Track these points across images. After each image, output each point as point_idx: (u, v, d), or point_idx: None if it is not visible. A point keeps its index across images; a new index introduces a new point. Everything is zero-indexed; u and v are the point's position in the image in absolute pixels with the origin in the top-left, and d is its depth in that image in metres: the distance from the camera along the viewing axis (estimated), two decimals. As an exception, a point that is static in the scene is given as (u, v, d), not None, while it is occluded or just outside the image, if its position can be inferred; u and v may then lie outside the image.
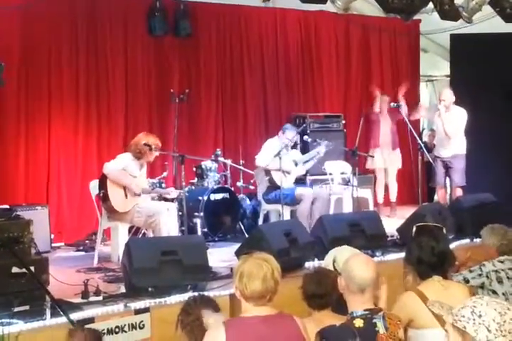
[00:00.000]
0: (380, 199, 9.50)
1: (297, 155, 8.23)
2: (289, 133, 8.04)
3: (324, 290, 3.77)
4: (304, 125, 8.95)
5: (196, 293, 4.90)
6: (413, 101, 10.33)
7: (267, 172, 7.88)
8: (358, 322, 3.31)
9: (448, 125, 8.74)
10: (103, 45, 8.32)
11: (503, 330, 2.21)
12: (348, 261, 3.51)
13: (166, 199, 7.21)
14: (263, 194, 8.00)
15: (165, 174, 7.67)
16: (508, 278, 4.91)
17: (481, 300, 2.24)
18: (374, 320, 3.33)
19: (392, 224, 7.45)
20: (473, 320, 2.18)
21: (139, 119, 8.58)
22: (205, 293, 4.99)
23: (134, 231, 7.23)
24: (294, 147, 8.27)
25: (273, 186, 7.86)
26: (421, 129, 11.35)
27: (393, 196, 9.62)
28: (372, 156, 9.08)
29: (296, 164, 8.08)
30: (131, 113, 8.54)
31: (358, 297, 3.39)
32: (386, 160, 9.44)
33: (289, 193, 7.76)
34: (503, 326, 2.20)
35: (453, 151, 8.87)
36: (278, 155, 7.44)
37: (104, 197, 6.70)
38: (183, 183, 6.82)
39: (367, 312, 3.36)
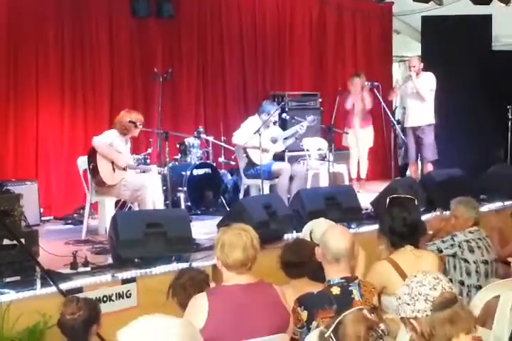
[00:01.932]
0: (354, 175, 9.52)
1: (278, 131, 8.18)
2: (273, 112, 7.95)
3: (300, 259, 3.79)
4: (283, 103, 8.92)
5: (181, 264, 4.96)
6: (386, 81, 10.36)
7: (245, 150, 7.85)
8: (335, 290, 3.34)
9: (421, 88, 8.81)
10: (88, 26, 8.20)
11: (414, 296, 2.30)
12: (325, 232, 3.53)
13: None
14: (243, 169, 7.99)
15: (149, 150, 7.63)
16: (478, 247, 5.00)
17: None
18: (350, 288, 3.36)
19: (365, 198, 7.47)
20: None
21: (124, 97, 8.51)
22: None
23: (120, 205, 7.20)
24: (274, 124, 8.20)
25: (251, 163, 7.84)
26: (393, 108, 11.35)
27: (363, 173, 9.61)
28: (347, 133, 9.07)
29: (274, 141, 8.04)
30: (116, 91, 8.46)
31: (334, 266, 3.42)
32: (358, 138, 9.42)
33: (266, 169, 7.74)
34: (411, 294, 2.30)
35: (424, 120, 8.90)
36: (257, 133, 7.40)
37: (93, 170, 6.67)
38: (167, 159, 6.79)
39: (343, 280, 3.39)
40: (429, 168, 8.88)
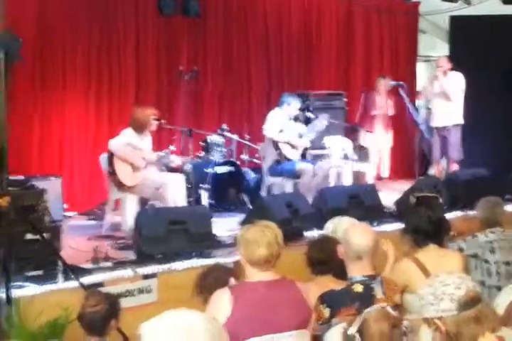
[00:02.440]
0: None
1: (302, 127, 8.14)
2: (294, 103, 7.94)
3: (327, 256, 3.78)
4: (307, 102, 8.87)
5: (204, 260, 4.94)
6: (411, 81, 10.29)
7: (276, 146, 7.80)
8: (357, 287, 3.31)
9: (447, 88, 8.68)
10: (115, 24, 8.22)
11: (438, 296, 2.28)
12: (348, 230, 3.51)
13: (173, 171, 7.17)
14: (268, 167, 7.93)
15: (173, 148, 7.60)
16: (499, 248, 4.90)
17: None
18: (372, 285, 3.33)
19: (387, 197, 7.42)
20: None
21: (149, 95, 8.51)
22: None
23: (143, 201, 7.19)
24: (295, 120, 8.17)
25: (282, 159, 7.77)
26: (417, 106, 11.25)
27: (386, 172, 9.56)
28: (372, 132, 9.00)
29: (300, 136, 8.00)
30: (141, 88, 8.47)
31: (356, 263, 3.39)
32: (379, 141, 9.37)
33: (291, 167, 7.70)
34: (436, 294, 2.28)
35: (450, 120, 8.78)
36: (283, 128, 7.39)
37: (112, 173, 6.66)
38: (191, 156, 6.77)
39: (365, 278, 3.36)
40: (454, 167, 8.78)
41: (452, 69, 8.78)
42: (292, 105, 7.91)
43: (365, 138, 9.23)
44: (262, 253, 3.12)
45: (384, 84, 9.30)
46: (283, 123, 7.80)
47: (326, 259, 3.83)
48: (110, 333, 3.54)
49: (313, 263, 3.95)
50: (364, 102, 9.37)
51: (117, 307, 3.55)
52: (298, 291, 3.22)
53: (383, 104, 9.34)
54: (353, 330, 1.85)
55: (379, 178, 9.42)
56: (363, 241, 3.36)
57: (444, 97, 8.77)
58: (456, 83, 8.76)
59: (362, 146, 9.33)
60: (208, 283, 3.59)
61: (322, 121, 7.98)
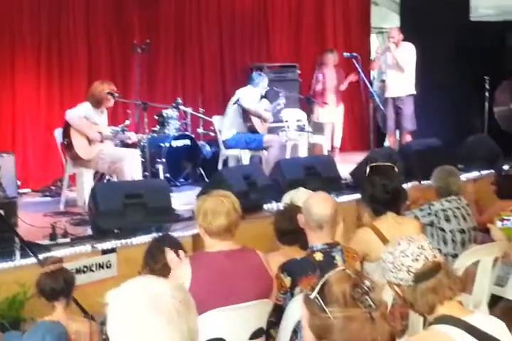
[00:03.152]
0: (329, 147, 9.53)
1: (267, 104, 8.17)
2: (264, 83, 8.04)
3: (296, 226, 3.72)
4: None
5: (160, 234, 4.90)
6: (365, 52, 10.31)
7: (248, 118, 7.78)
8: (318, 256, 3.33)
9: (400, 59, 8.74)
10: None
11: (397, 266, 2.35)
12: (308, 199, 3.51)
13: (128, 146, 7.10)
14: (229, 139, 7.90)
15: (127, 122, 7.51)
16: (454, 216, 4.98)
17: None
18: (333, 254, 3.35)
19: (344, 168, 7.45)
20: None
21: (101, 69, 8.36)
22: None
23: (99, 177, 7.12)
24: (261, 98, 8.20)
25: (248, 132, 7.85)
26: (372, 78, 11.29)
27: (338, 142, 9.63)
28: (326, 103, 9.04)
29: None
30: (93, 62, 8.31)
31: (317, 232, 3.40)
32: (332, 115, 9.43)
33: (258, 138, 7.70)
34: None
35: (404, 90, 8.84)
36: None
37: (68, 145, 6.55)
38: (146, 130, 6.71)
39: (326, 246, 3.37)
40: (408, 138, 8.87)
41: (404, 40, 8.83)
42: (263, 85, 7.99)
43: (318, 112, 9.27)
44: (221, 222, 3.11)
45: (332, 58, 9.34)
46: (255, 101, 7.87)
47: (293, 229, 3.80)
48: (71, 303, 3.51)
49: (280, 233, 3.95)
50: (315, 76, 9.40)
51: (71, 283, 3.52)
52: (259, 260, 3.22)
53: (333, 78, 9.36)
54: (314, 294, 1.85)
55: (333, 150, 9.47)
56: (324, 210, 3.37)
57: (397, 68, 8.82)
58: (408, 54, 8.81)
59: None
60: (153, 256, 3.57)
61: (280, 100, 8.06)
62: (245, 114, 7.85)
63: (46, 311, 3.49)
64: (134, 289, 1.65)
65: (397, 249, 2.37)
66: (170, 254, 3.33)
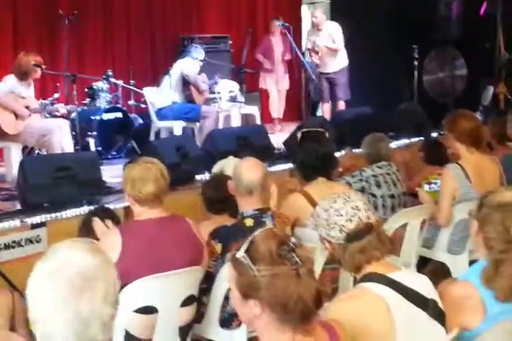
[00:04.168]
0: (275, 115, 9.56)
1: (205, 77, 8.16)
2: (202, 54, 8.03)
3: (223, 195, 3.72)
4: (192, 45, 8.72)
5: (92, 207, 4.82)
6: (296, 23, 10.30)
7: (187, 88, 7.70)
8: (249, 222, 3.32)
9: (328, 41, 8.79)
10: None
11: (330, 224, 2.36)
12: (238, 165, 3.49)
13: (57, 118, 6.94)
14: (164, 108, 7.80)
15: (57, 95, 7.34)
16: (385, 182, 5.04)
17: None
18: (263, 219, 3.35)
19: (279, 138, 7.47)
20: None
21: (28, 41, 8.09)
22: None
23: (28, 151, 6.94)
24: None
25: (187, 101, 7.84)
26: (304, 49, 11.31)
27: (280, 113, 9.68)
28: (256, 73, 9.05)
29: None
30: (19, 34, 8.06)
31: (247, 198, 3.39)
32: (279, 83, 9.45)
33: (196, 108, 7.63)
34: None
35: (336, 66, 8.91)
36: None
37: (-8, 120, 6.37)
38: (76, 102, 6.57)
39: (256, 211, 3.37)
40: (342, 107, 8.94)
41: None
42: (200, 58, 7.99)
43: (265, 80, 9.26)
44: (149, 189, 3.08)
45: (277, 26, 9.31)
46: (195, 72, 7.85)
47: (221, 198, 3.79)
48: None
49: (209, 203, 3.92)
50: (262, 44, 9.40)
51: None
52: (189, 227, 3.20)
53: (280, 46, 9.37)
54: (240, 253, 1.84)
55: (272, 121, 9.50)
56: (254, 176, 3.36)
57: (326, 48, 8.86)
58: (336, 35, 8.84)
59: (252, 89, 9.36)
60: (87, 229, 3.50)
61: (217, 81, 8.25)
62: (185, 83, 7.81)
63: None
64: (49, 255, 1.64)
65: (333, 206, 2.37)
66: (97, 224, 3.28)
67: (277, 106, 9.58)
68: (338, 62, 8.93)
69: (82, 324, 1.58)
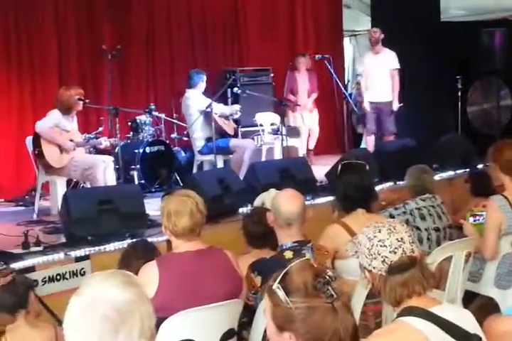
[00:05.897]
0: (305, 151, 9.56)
1: (221, 106, 8.14)
2: (204, 79, 7.90)
3: (264, 229, 3.71)
4: (234, 77, 8.82)
5: (133, 240, 4.87)
6: (338, 55, 10.36)
7: (210, 120, 7.73)
8: (288, 254, 3.31)
9: (381, 65, 8.73)
10: (33, 2, 7.97)
11: (373, 254, 2.32)
12: (276, 197, 3.50)
13: (102, 152, 7.07)
14: (202, 147, 7.80)
15: (100, 129, 7.51)
16: (429, 214, 5.01)
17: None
18: (303, 251, 3.33)
19: (320, 171, 7.46)
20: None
21: (72, 75, 8.31)
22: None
23: (72, 184, 7.08)
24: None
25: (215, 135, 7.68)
26: (346, 81, 11.35)
27: (312, 145, 9.63)
28: (299, 105, 9.06)
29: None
30: (64, 69, 8.28)
31: (286, 230, 3.39)
32: (306, 120, 9.44)
33: (223, 144, 7.66)
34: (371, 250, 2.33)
35: (385, 96, 8.81)
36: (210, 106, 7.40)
37: (39, 155, 6.52)
38: (118, 135, 6.69)
39: (295, 244, 3.36)
40: (390, 140, 8.84)
41: (383, 40, 8.81)
42: (204, 80, 7.87)
43: (294, 117, 9.28)
44: (185, 223, 3.10)
45: (304, 62, 9.35)
46: (205, 103, 7.61)
47: (262, 232, 3.79)
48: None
49: (250, 237, 3.93)
50: (287, 81, 9.40)
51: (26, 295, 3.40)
52: (227, 259, 3.21)
53: (305, 82, 9.39)
54: (275, 284, 1.85)
55: (308, 153, 9.50)
56: (292, 208, 3.36)
57: (377, 74, 8.81)
58: (390, 61, 8.77)
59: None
60: (128, 261, 3.54)
61: (233, 107, 8.04)
62: (208, 118, 7.62)
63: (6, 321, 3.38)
64: (82, 290, 1.63)
65: (377, 236, 2.33)
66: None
67: (307, 141, 9.52)
68: (386, 93, 8.80)
69: None
